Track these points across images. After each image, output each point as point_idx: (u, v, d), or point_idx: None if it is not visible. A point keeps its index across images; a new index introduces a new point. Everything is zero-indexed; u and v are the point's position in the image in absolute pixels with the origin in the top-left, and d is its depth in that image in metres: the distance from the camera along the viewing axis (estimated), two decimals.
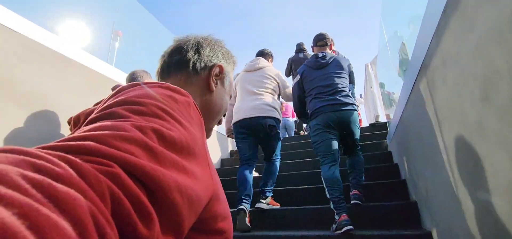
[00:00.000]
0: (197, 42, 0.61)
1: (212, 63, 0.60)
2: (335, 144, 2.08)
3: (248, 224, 2.13)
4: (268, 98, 2.41)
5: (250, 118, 2.32)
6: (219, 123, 0.66)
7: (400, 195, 2.20)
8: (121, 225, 0.22)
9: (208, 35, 0.64)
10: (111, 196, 0.22)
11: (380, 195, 2.28)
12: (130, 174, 0.25)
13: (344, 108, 2.07)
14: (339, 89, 2.13)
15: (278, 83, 2.52)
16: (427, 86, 1.17)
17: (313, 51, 2.47)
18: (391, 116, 3.75)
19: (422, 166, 1.58)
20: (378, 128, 4.04)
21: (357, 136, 2.16)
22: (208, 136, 0.60)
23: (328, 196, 1.97)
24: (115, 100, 0.36)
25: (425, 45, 1.07)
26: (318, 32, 2.42)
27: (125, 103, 0.34)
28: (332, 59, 2.25)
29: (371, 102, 4.69)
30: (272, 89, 2.47)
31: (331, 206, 1.94)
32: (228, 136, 2.80)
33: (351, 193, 2.10)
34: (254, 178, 2.51)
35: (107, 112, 0.33)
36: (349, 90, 2.21)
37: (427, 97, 1.20)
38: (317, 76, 2.21)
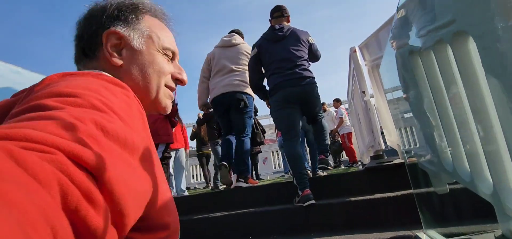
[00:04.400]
0: (81, 18, 0.50)
1: (99, 37, 0.47)
2: (297, 119, 2.08)
3: (230, 179, 2.38)
4: (245, 75, 2.47)
5: (223, 94, 2.40)
6: (181, 82, 0.55)
7: None
8: (72, 214, 0.21)
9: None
10: (58, 184, 0.21)
11: None
12: (75, 162, 0.24)
13: (303, 82, 2.04)
14: (298, 63, 2.08)
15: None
16: None
17: (270, 24, 2.33)
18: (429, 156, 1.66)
19: None
20: (384, 180, 1.93)
21: (318, 107, 2.19)
22: (164, 111, 0.53)
23: (290, 172, 2.09)
24: (43, 91, 0.31)
25: None
26: (275, 4, 2.36)
27: (57, 94, 0.30)
28: (289, 31, 2.19)
29: (364, 122, 2.64)
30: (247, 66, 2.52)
31: (294, 181, 1.95)
32: (201, 110, 2.88)
33: (318, 158, 2.31)
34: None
35: (33, 104, 0.29)
36: (309, 64, 2.18)
37: None
38: (275, 50, 2.15)
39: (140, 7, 0.52)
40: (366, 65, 2.55)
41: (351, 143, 5.94)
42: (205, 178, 5.83)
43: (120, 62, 0.47)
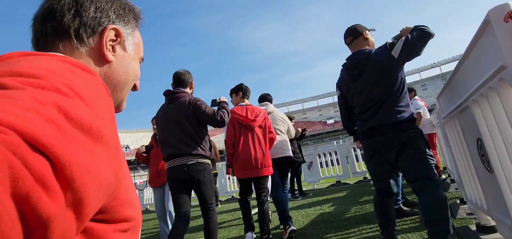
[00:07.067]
0: None
1: (102, 27, 0.48)
2: (383, 174, 1.77)
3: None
4: (285, 137, 3.11)
5: (279, 158, 2.96)
6: (134, 88, 0.55)
7: None
8: (22, 201, 0.20)
9: None
10: (9, 167, 0.20)
11: None
12: (31, 145, 0.22)
13: (384, 133, 1.66)
14: (380, 109, 1.68)
15: (286, 123, 3.22)
16: None
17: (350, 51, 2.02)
18: None
19: None
20: None
21: (421, 165, 1.58)
22: (118, 110, 0.54)
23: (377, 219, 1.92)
24: (2, 69, 0.29)
25: None
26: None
27: (17, 74, 0.28)
28: (367, 60, 1.72)
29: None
30: (285, 130, 3.17)
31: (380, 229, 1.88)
32: None
33: None
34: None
35: None
36: (396, 100, 1.66)
37: None
38: (355, 90, 1.84)
39: (137, 13, 0.55)
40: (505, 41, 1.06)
41: (434, 148, 4.18)
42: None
43: (112, 58, 0.48)
